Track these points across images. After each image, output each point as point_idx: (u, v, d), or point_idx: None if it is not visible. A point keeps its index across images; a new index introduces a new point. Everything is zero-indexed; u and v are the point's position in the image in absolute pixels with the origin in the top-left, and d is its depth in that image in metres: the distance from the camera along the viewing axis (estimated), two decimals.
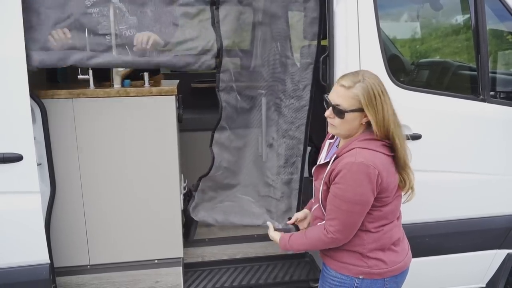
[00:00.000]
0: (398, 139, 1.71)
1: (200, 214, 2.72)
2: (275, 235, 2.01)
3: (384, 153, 1.71)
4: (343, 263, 1.80)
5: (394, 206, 1.81)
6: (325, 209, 1.81)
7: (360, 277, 1.77)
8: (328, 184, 1.76)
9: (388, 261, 1.78)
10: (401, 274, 1.85)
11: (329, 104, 1.75)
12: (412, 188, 1.81)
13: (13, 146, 2.03)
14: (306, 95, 2.55)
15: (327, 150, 1.97)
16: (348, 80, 1.71)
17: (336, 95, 1.73)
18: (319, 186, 1.83)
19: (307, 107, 2.57)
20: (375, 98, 1.68)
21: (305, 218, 2.09)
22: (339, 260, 1.81)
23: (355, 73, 1.76)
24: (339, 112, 1.71)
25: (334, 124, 1.76)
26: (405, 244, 1.91)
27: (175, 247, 2.60)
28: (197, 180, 2.69)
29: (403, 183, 1.78)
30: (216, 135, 2.58)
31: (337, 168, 1.70)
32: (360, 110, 1.70)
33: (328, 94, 1.79)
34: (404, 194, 1.84)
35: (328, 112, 1.75)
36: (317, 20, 2.43)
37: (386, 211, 1.77)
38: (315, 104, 2.56)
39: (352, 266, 1.78)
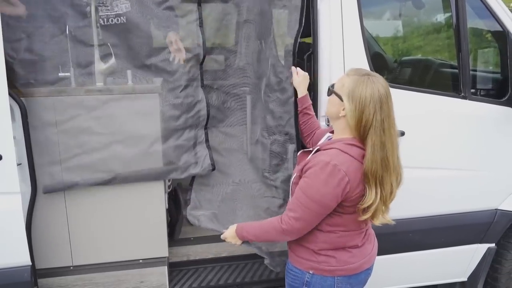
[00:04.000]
0: (372, 143, 1.63)
1: (199, 220, 2.56)
2: (231, 228, 1.92)
3: (361, 162, 1.66)
4: (298, 257, 1.83)
5: (356, 219, 1.72)
6: None
7: (310, 272, 1.79)
8: (300, 173, 1.73)
9: (338, 259, 1.76)
10: (355, 276, 1.80)
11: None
12: (370, 210, 1.66)
13: None
14: (290, 86, 2.45)
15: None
16: (352, 71, 1.74)
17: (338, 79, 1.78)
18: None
19: (292, 99, 2.45)
20: (359, 97, 1.63)
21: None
22: (295, 253, 1.84)
23: (360, 69, 1.78)
24: (328, 90, 1.77)
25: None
26: (366, 250, 1.83)
27: (160, 247, 2.57)
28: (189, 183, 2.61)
29: (363, 196, 1.65)
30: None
31: (311, 162, 1.68)
32: (340, 97, 1.68)
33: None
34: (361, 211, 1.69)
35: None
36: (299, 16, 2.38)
37: (347, 219, 1.73)
38: None
39: (304, 260, 1.80)
